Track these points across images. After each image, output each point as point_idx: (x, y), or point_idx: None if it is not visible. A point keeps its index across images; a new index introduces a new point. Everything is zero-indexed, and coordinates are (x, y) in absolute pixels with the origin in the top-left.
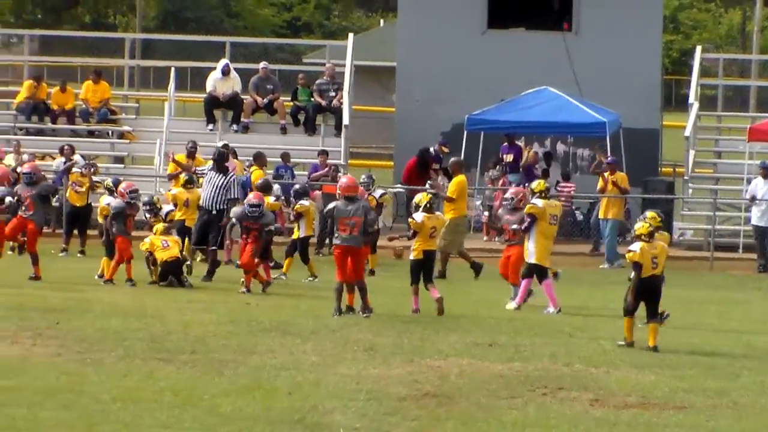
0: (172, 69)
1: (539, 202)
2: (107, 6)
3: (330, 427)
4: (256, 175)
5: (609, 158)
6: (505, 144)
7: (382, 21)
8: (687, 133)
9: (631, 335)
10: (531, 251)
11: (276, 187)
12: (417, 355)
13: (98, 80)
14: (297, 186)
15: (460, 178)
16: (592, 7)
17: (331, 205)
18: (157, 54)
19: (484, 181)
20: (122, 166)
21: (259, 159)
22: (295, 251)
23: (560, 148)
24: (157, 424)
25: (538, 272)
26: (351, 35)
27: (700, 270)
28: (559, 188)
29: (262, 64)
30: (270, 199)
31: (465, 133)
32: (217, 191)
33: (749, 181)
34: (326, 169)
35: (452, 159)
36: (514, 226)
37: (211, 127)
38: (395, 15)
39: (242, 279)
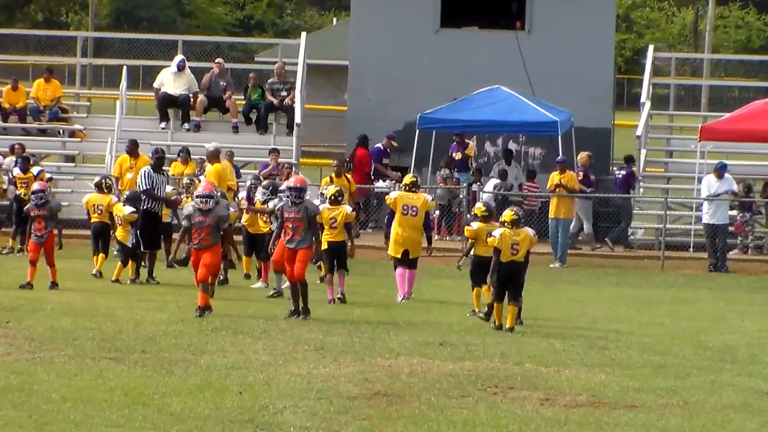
0: (124, 67)
1: (393, 194)
2: (60, 4)
3: (280, 427)
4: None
5: (559, 158)
6: (455, 143)
7: (335, 19)
8: (639, 132)
9: (500, 318)
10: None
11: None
12: (367, 354)
13: (50, 78)
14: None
15: (216, 167)
16: (545, 6)
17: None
18: (109, 52)
19: (436, 180)
20: (73, 164)
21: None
22: None
23: (512, 147)
24: (108, 423)
25: (395, 260)
26: (304, 34)
27: (652, 269)
28: (523, 188)
29: (217, 60)
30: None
31: (417, 131)
32: (162, 190)
33: (700, 181)
34: (273, 166)
35: (209, 149)
36: None
37: (163, 125)
38: (348, 13)
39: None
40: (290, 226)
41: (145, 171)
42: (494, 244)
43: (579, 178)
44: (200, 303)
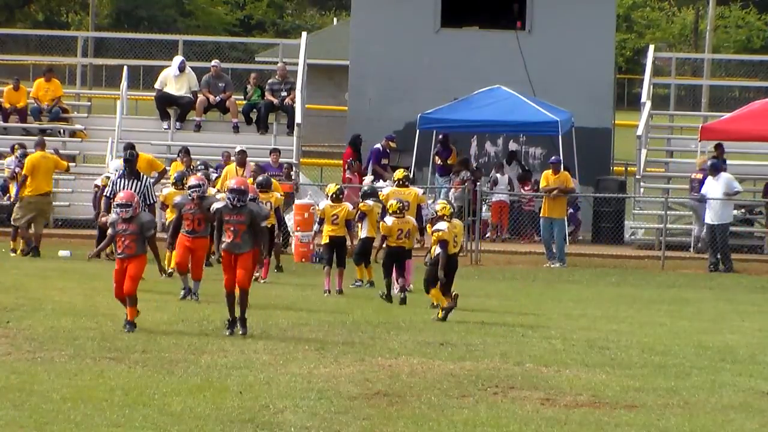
0: (125, 67)
1: (385, 190)
2: (60, 4)
3: (281, 426)
4: None
5: (552, 158)
6: (439, 146)
7: (335, 19)
8: (639, 132)
9: (443, 299)
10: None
11: None
12: (368, 354)
13: (50, 78)
14: (365, 186)
15: (32, 157)
16: (546, 6)
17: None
18: (110, 52)
19: (455, 182)
20: (74, 164)
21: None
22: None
23: (512, 147)
24: (108, 423)
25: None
26: (304, 34)
27: (652, 269)
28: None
29: (213, 62)
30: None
31: (417, 131)
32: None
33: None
34: (277, 168)
35: (36, 139)
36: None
37: (166, 125)
38: (349, 13)
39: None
40: (231, 229)
41: (113, 179)
42: (444, 237)
43: (698, 179)
44: (129, 318)
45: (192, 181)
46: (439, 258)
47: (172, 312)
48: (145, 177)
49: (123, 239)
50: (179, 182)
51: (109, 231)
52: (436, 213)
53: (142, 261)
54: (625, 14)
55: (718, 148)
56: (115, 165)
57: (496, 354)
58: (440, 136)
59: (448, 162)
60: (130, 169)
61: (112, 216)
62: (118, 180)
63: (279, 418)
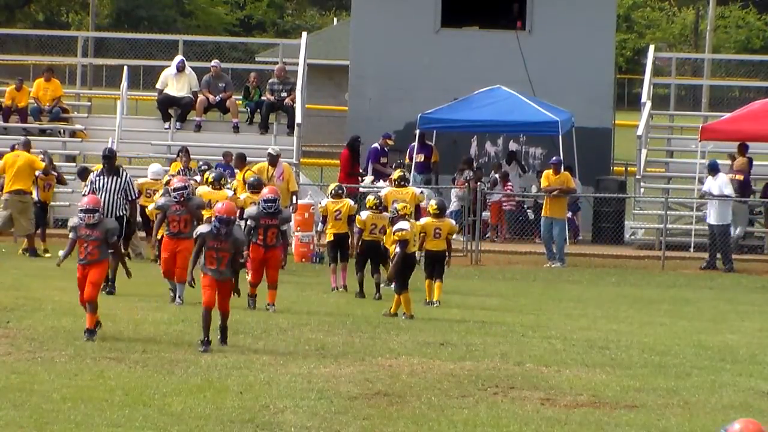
0: (125, 67)
1: (384, 191)
2: (60, 4)
3: (281, 426)
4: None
5: (553, 158)
6: (417, 144)
7: (335, 20)
8: (639, 132)
9: (410, 308)
10: None
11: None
12: (368, 354)
13: (50, 78)
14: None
15: (6, 157)
16: (546, 6)
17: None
18: (110, 52)
19: (459, 182)
20: (74, 164)
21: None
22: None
23: (512, 147)
24: (108, 423)
25: None
26: (304, 34)
27: (652, 269)
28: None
29: (213, 62)
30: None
31: (417, 131)
32: (114, 195)
33: (701, 181)
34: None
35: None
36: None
37: (167, 125)
38: (349, 14)
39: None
40: (214, 256)
41: (92, 177)
42: (407, 237)
43: (737, 179)
44: (89, 325)
45: (176, 183)
46: (396, 256)
47: (172, 312)
48: (124, 173)
49: (86, 245)
50: (217, 182)
51: (71, 235)
52: (397, 212)
53: (105, 267)
54: (625, 14)
55: (742, 147)
56: (153, 169)
57: (496, 354)
58: (416, 132)
59: (432, 161)
60: (109, 166)
61: (74, 220)
62: (97, 178)
63: (279, 418)
